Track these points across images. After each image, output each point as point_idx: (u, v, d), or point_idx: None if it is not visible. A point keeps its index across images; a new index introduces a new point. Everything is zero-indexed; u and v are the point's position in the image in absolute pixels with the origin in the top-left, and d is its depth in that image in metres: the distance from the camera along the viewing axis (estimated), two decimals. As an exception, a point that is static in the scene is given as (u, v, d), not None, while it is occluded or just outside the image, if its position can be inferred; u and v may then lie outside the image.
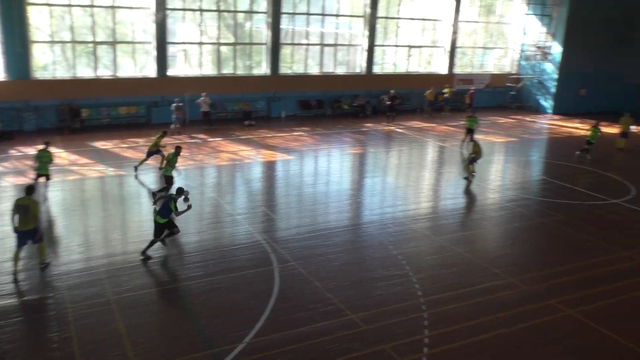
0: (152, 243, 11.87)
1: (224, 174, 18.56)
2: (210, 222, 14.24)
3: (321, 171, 18.26)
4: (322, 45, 29.67)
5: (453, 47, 32.99)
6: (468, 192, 17.56)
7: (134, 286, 10.69)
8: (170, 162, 15.18)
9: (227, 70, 27.76)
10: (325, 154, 21.73)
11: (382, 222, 14.55)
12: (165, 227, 11.85)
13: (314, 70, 29.85)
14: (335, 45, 30.08)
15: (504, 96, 35.22)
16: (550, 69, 33.70)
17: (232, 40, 27.62)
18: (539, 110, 34.39)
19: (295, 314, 9.93)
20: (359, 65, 30.90)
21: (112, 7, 24.62)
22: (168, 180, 15.23)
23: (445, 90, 31.62)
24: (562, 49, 32.89)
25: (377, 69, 31.48)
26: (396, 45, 31.80)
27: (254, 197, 16.32)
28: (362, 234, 13.73)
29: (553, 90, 33.72)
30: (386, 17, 31.12)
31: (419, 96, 31.81)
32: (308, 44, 29.36)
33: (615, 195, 17.69)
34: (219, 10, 26.91)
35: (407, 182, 18.62)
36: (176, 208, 11.70)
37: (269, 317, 9.78)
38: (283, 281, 11.14)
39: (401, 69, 32.29)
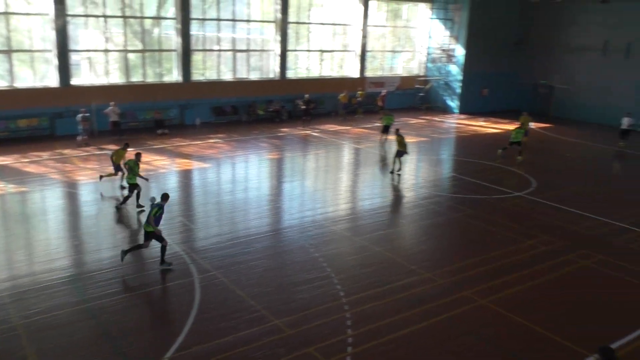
0: (163, 250, 11.80)
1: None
2: (124, 235, 13.74)
3: (239, 178, 18.12)
4: (234, 51, 29.46)
5: (363, 51, 33.81)
6: (395, 188, 18.08)
7: (44, 308, 10.11)
8: (132, 170, 15.11)
9: (136, 78, 26.89)
10: (242, 160, 21.58)
11: (302, 225, 14.65)
12: (153, 237, 11.70)
13: (227, 76, 29.57)
14: (247, 50, 29.96)
15: (414, 98, 36.53)
16: (455, 71, 35.35)
17: (140, 47, 26.79)
18: (446, 110, 35.95)
19: (218, 324, 9.80)
20: (272, 70, 30.95)
21: (6, 13, 23.16)
22: (132, 188, 15.27)
23: (359, 93, 32.34)
24: (465, 51, 34.59)
25: (290, 74, 31.67)
26: (308, 50, 32.15)
27: (170, 207, 15.89)
28: (282, 239, 13.76)
29: (459, 90, 35.38)
30: (297, 22, 31.39)
31: (333, 100, 32.32)
32: (220, 50, 29.05)
33: (518, 189, 18.83)
34: (124, 17, 26.02)
35: (325, 184, 18.87)
36: (156, 214, 11.51)
37: (191, 330, 9.58)
38: (204, 292, 10.95)
39: (314, 73, 32.67)
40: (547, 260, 13.02)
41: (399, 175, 19.85)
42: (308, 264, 12.35)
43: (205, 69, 28.97)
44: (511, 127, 28.68)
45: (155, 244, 12.28)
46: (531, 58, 36.43)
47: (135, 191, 15.39)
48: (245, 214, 15.42)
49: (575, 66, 34.42)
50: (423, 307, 10.69)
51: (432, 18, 35.88)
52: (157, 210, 11.64)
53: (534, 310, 10.75)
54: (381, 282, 11.66)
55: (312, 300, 10.77)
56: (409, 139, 26.30)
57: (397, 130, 21.36)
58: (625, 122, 27.07)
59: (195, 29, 27.95)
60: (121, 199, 15.83)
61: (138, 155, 15.47)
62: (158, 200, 11.94)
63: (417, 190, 18.59)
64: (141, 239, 13.22)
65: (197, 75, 28.58)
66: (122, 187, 16.88)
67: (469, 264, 12.66)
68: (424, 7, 36.00)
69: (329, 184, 18.88)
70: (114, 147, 22.67)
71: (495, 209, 16.60)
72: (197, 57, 28.44)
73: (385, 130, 25.63)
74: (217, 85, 28.94)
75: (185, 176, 19.13)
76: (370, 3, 33.43)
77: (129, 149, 17.18)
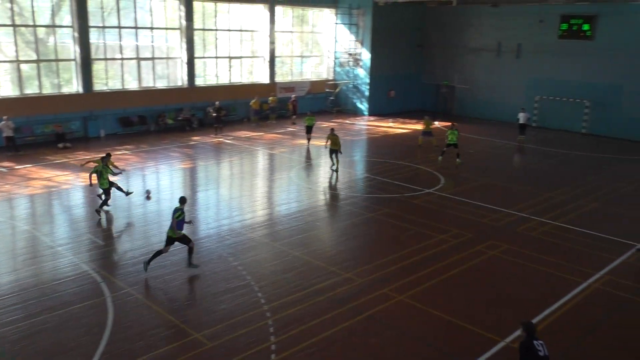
0: (191, 251, 12.06)
1: (39, 204, 16.85)
2: (26, 257, 12.82)
3: (150, 189, 17.46)
4: (139, 59, 28.44)
5: (272, 57, 33.79)
6: (311, 192, 18.14)
7: (-63, 344, 9.20)
8: (102, 175, 15.53)
9: (31, 89, 25.26)
10: (153, 171, 20.85)
11: (220, 234, 14.37)
12: (177, 240, 11.88)
13: (132, 85, 28.48)
14: (152, 58, 29.02)
15: (324, 101, 36.99)
16: (363, 74, 36.17)
17: (34, 57, 25.19)
18: (356, 112, 36.69)
19: (134, 343, 9.36)
20: (180, 78, 30.20)
21: None
22: (106, 192, 15.71)
23: (270, 99, 32.25)
24: (371, 55, 35.48)
25: (199, 81, 31.04)
26: (216, 57, 31.68)
27: (77, 224, 15.05)
28: (200, 249, 13.41)
29: (367, 93, 36.23)
30: (203, 29, 30.84)
31: (245, 106, 32.05)
32: (123, 59, 27.93)
33: (429, 185, 19.55)
34: (14, 25, 24.36)
35: (241, 192, 18.64)
36: (179, 218, 11.63)
37: (105, 352, 9.08)
38: (118, 310, 10.43)
39: (224, 80, 32.24)
40: (459, 253, 13.57)
41: (335, 171, 21.03)
42: (228, 274, 12.11)
43: (108, 79, 27.75)
44: (419, 126, 29.71)
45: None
46: (433, 60, 38.04)
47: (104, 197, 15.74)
48: (159, 227, 14.88)
49: (473, 66, 36.30)
50: (345, 307, 10.78)
51: (337, 23, 36.53)
52: (180, 214, 11.69)
53: (450, 302, 11.16)
54: (302, 286, 11.65)
55: (233, 310, 10.56)
56: (321, 143, 26.63)
57: (332, 130, 22.12)
58: (521, 117, 28.92)
59: (94, 37, 26.69)
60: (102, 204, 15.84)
61: (107, 157, 16.02)
62: (182, 203, 12.00)
63: (333, 192, 18.78)
64: (44, 260, 12.40)
65: (99, 85, 27.31)
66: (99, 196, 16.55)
67: (386, 262, 12.94)
68: (329, 13, 36.57)
69: (244, 191, 18.67)
70: (8, 164, 21.16)
71: (408, 207, 17.11)
72: (98, 67, 27.18)
73: (309, 131, 26.42)
74: (122, 95, 27.80)
75: (91, 191, 18.20)
76: (276, 9, 33.49)
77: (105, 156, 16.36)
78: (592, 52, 30.83)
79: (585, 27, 30.80)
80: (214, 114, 28.37)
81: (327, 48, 37.28)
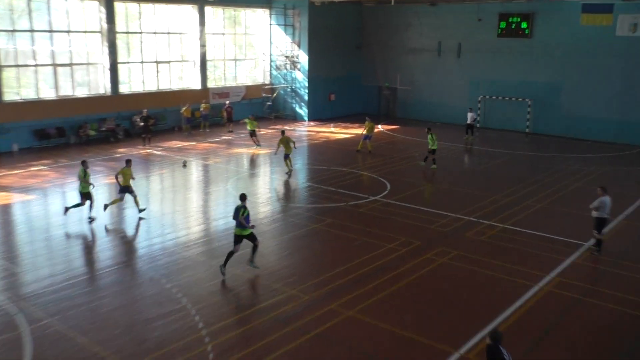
0: (255, 249, 12.76)
1: (-57, 229, 15.79)
2: None
3: (71, 208, 16.70)
4: (55, 65, 27.32)
5: (203, 61, 33.30)
6: (250, 204, 17.89)
7: None
8: (84, 179, 16.14)
9: None
10: (74, 188, 19.99)
11: (151, 255, 13.89)
12: (246, 238, 12.51)
13: (48, 94, 27.31)
14: (70, 64, 27.95)
15: (262, 107, 36.78)
16: (301, 77, 36.24)
17: None
18: (296, 118, 36.67)
19: (57, 382, 8.82)
20: (103, 85, 29.24)
21: None
22: (87, 196, 16.31)
23: (202, 105, 31.72)
24: (308, 57, 35.61)
25: (124, 89, 30.17)
26: (142, 62, 30.89)
27: (-13, 251, 14.17)
28: (129, 272, 12.90)
29: (306, 97, 36.30)
30: (127, 32, 30.04)
31: (175, 114, 31.39)
32: (37, 65, 26.75)
33: (373, 193, 19.69)
34: None
35: (173, 207, 18.15)
36: (244, 214, 12.27)
37: (24, 394, 8.52)
38: (37, 345, 9.83)
39: (151, 86, 31.48)
40: (408, 262, 13.66)
41: (288, 175, 21.86)
42: (160, 297, 11.68)
43: (21, 87, 26.50)
44: (360, 130, 29.98)
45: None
46: (373, 61, 38.59)
47: (88, 201, 16.40)
48: (82, 249, 14.23)
49: (414, 67, 37.06)
50: (290, 327, 10.60)
51: (272, 24, 36.48)
52: (244, 210, 12.32)
53: (401, 314, 11.19)
54: (243, 307, 11.38)
55: (168, 337, 10.17)
56: (259, 151, 26.38)
57: (283, 131, 22.54)
58: (469, 117, 29.77)
59: (3, 42, 25.46)
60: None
61: (84, 162, 16.42)
62: (242, 199, 12.64)
63: (273, 203, 18.62)
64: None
65: (10, 95, 26.03)
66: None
67: (333, 275, 12.86)
68: (263, 13, 36.47)
69: (177, 206, 18.19)
70: None
71: (354, 216, 17.15)
72: (8, 74, 25.91)
73: (252, 134, 26.88)
74: (37, 105, 26.61)
75: (4, 212, 17.22)
76: (206, 9, 33.07)
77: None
78: (531, 50, 32.14)
79: (524, 24, 32.07)
80: (142, 124, 27.61)
81: (262, 50, 37.14)
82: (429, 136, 23.61)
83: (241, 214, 12.34)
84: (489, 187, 20.78)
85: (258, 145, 27.00)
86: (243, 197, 12.70)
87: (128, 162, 16.89)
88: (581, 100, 31.00)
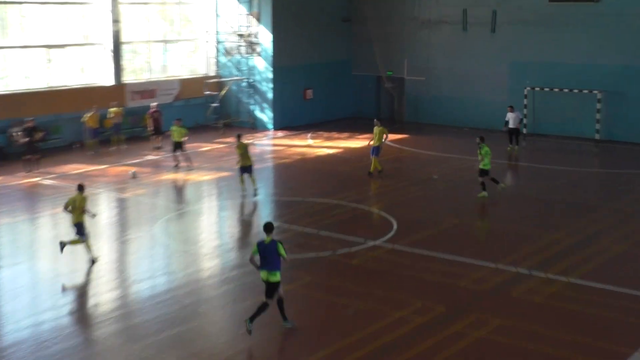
0: (263, 307, 13.60)
1: None
2: None
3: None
4: None
5: (117, 44, 33.27)
6: (190, 254, 17.71)
7: None
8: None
9: None
10: None
11: (38, 337, 13.67)
12: (278, 285, 13.64)
13: None
14: None
15: (204, 111, 36.71)
16: (263, 66, 36.32)
17: None
18: (255, 126, 36.65)
19: None
20: (-35, 83, 29.06)
21: None
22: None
23: (111, 110, 31.31)
24: (273, 35, 35.77)
25: (-3, 87, 30.06)
26: (25, 47, 30.79)
27: None
28: (4, 367, 12.61)
29: (270, 95, 36.34)
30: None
31: (75, 124, 31.17)
32: None
33: (374, 235, 19.58)
34: None
35: (73, 263, 17.91)
36: (284, 251, 13.60)
37: None
38: None
39: (38, 83, 31.33)
40: (427, 339, 13.52)
41: (244, 195, 22.95)
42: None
43: None
44: (363, 142, 29.95)
45: None
46: (368, 40, 38.79)
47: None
48: None
49: (429, 48, 37.44)
50: None
51: (218, -12, 36.74)
52: (279, 246, 13.56)
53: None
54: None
55: None
56: (202, 176, 26.32)
57: (239, 135, 23.64)
58: (511, 118, 29.92)
59: None
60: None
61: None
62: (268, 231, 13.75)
63: (223, 255, 18.49)
64: None
65: None
66: None
67: (315, 362, 12.68)
68: (205, -28, 36.76)
69: (79, 262, 17.93)
70: None
71: (345, 270, 17.01)
72: None
73: (178, 147, 27.33)
74: None
75: None
76: (119, -32, 33.20)
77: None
78: (599, 20, 32.61)
79: (588, -17, 32.67)
80: (25, 139, 27.38)
81: (204, 28, 37.24)
82: (479, 150, 23.20)
83: (281, 249, 13.50)
84: (545, 222, 20.77)
85: (177, 166, 27.55)
86: (269, 227, 13.76)
87: (80, 187, 17.86)
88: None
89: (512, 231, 20.06)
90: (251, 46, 36.38)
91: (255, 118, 36.90)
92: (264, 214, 22.49)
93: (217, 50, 37.50)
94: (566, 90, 33.54)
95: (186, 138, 27.65)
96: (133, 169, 26.28)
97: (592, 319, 14.44)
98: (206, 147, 32.01)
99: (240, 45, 36.61)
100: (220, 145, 32.28)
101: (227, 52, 37.12)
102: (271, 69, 36.07)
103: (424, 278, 16.51)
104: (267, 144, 33.49)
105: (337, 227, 20.27)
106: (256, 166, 28.40)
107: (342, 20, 38.85)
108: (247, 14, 36.17)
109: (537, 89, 34.34)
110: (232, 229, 20.87)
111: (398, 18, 38.09)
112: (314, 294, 15.67)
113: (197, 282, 16.65)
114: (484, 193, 23.15)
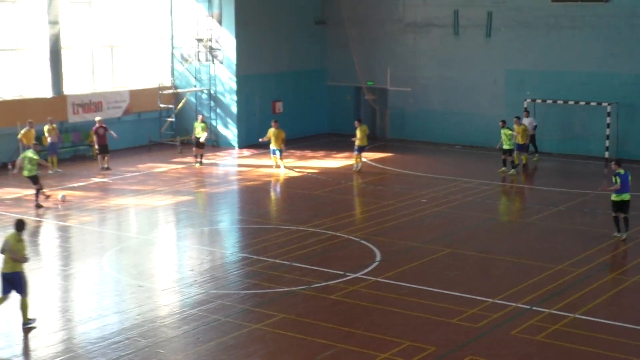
0: None
1: None
2: None
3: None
4: None
5: (56, 49, 33.14)
6: (144, 290, 17.76)
7: None
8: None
9: None
10: None
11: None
12: None
13: None
14: None
15: (158, 127, 36.72)
16: (226, 76, 36.48)
17: None
18: (217, 144, 36.73)
19: None
20: None
21: None
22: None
23: (46, 128, 30.90)
24: (237, 40, 35.98)
25: None
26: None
27: None
28: None
29: (234, 109, 36.47)
30: None
31: (8, 141, 31.04)
32: None
33: (354, 266, 19.79)
34: None
35: (4, 304, 17.86)
36: None
37: None
38: None
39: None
40: (418, 386, 13.74)
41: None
42: None
43: None
44: (341, 161, 30.16)
45: None
46: (345, 46, 39.06)
47: None
48: None
49: (416, 54, 37.84)
50: None
51: (174, -14, 36.94)
52: None
53: None
54: None
55: None
56: (157, 201, 26.34)
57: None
58: (528, 124, 30.77)
59: None
60: None
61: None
62: None
63: (183, 290, 18.48)
64: None
65: None
66: None
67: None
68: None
69: (11, 302, 17.86)
70: None
71: (321, 307, 17.15)
72: None
73: (200, 145, 29.67)
74: None
75: None
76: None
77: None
78: (610, 22, 33.14)
79: (595, -18, 33.23)
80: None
81: (157, 31, 37.37)
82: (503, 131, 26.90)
83: None
84: (548, 253, 21.11)
85: (200, 163, 30.74)
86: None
87: (19, 225, 16.57)
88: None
89: (510, 262, 20.38)
90: (211, 52, 36.54)
91: (217, 135, 37.07)
92: (229, 243, 22.57)
93: (173, 57, 37.65)
94: (571, 102, 33.91)
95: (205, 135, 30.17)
96: (62, 192, 26.39)
97: (600, 359, 14.75)
98: (161, 167, 32.05)
99: (199, 52, 36.78)
100: (178, 165, 32.36)
101: (184, 59, 37.24)
102: (235, 78, 36.28)
103: (411, 314, 16.68)
104: (232, 164, 33.63)
105: (313, 258, 20.46)
106: (220, 189, 28.71)
107: (316, 22, 39.14)
108: (207, 16, 36.36)
109: (538, 100, 34.67)
110: (192, 260, 20.87)
111: (380, 20, 38.45)
112: (286, 334, 15.75)
113: (153, 322, 16.63)
114: (513, 171, 27.21)
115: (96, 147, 31.79)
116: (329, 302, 17.49)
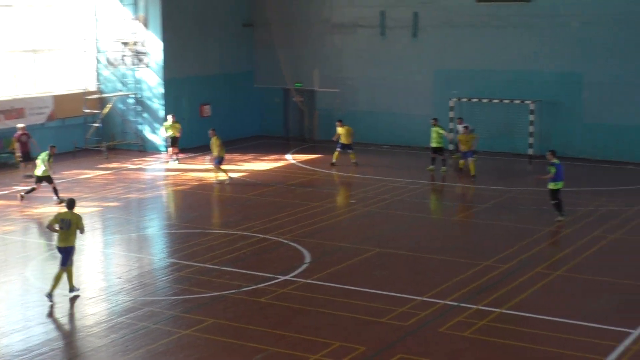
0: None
1: None
2: None
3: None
4: None
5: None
6: (66, 301, 17.53)
7: None
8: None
9: None
10: None
11: None
12: None
13: None
14: None
15: (84, 132, 36.34)
16: (153, 80, 36.26)
17: None
18: (145, 148, 36.50)
19: None
20: None
21: None
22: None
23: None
24: (164, 44, 35.79)
25: None
26: None
27: None
28: None
29: (161, 112, 36.25)
30: None
31: None
32: None
33: (284, 268, 19.84)
34: None
35: None
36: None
37: None
38: None
39: None
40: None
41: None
42: None
43: None
44: (269, 164, 30.16)
45: None
46: (272, 48, 39.19)
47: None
48: None
49: (343, 55, 38.12)
50: None
51: (97, -11, 36.57)
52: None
53: None
54: None
55: None
56: (83, 207, 26.08)
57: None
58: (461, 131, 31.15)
59: None
60: None
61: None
62: None
63: (111, 298, 18.33)
64: None
65: None
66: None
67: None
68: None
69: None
70: None
71: (252, 310, 17.16)
72: None
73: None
74: None
75: None
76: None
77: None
78: (532, 22, 33.83)
79: (519, -20, 33.83)
80: None
81: (82, 34, 36.97)
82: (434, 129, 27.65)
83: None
84: (474, 250, 21.49)
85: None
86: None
87: (71, 203, 18.53)
88: (618, 101, 32.86)
89: (439, 259, 20.66)
90: (138, 56, 36.30)
91: (144, 139, 36.83)
92: (157, 248, 22.47)
93: (98, 61, 37.29)
94: (496, 100, 34.53)
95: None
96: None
97: (528, 354, 14.94)
98: (88, 173, 31.73)
99: (124, 55, 36.50)
100: (104, 171, 32.07)
101: (110, 64, 36.93)
102: (162, 82, 36.12)
103: (341, 315, 16.77)
104: (159, 168, 33.41)
105: (242, 262, 20.45)
106: (147, 194, 28.50)
107: (243, 24, 39.15)
108: (132, 19, 36.12)
109: (464, 99, 35.22)
110: (119, 267, 20.71)
111: (306, 21, 38.66)
112: (217, 339, 15.72)
113: (80, 331, 16.52)
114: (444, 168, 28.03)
115: (19, 154, 31.30)
116: (259, 306, 17.50)
